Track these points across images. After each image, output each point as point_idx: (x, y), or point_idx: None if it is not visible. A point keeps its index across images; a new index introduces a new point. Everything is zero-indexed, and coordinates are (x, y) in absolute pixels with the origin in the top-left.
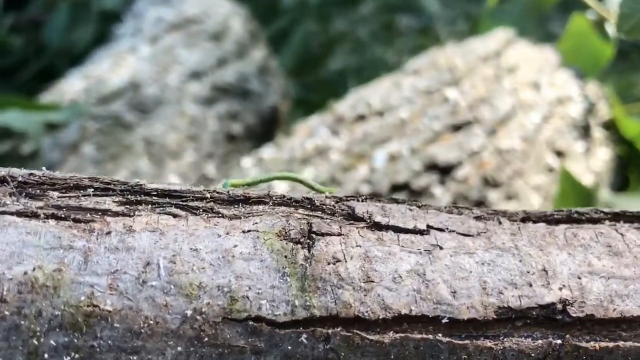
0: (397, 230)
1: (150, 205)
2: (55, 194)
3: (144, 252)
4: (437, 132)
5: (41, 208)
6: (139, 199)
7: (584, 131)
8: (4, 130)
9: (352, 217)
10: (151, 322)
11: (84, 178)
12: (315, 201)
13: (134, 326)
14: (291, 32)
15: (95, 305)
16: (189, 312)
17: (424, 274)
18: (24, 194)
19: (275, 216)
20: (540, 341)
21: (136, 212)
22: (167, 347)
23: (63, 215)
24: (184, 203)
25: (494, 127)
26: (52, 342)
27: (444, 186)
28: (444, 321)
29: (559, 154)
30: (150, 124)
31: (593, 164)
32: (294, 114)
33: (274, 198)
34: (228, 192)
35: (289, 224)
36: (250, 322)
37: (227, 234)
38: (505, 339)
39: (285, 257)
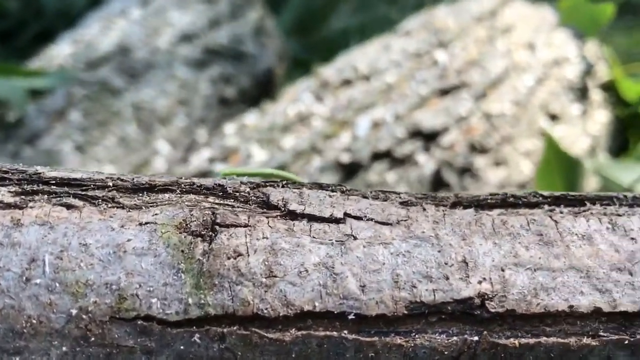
0: (312, 218)
1: (46, 196)
2: None
3: (29, 248)
4: (424, 97)
5: None
6: (35, 188)
7: (581, 93)
8: None
9: (267, 205)
10: (34, 321)
11: None
12: (228, 188)
13: (16, 326)
14: None
15: None
16: (74, 311)
17: (333, 267)
18: None
19: (179, 206)
20: (455, 338)
21: (29, 204)
22: (51, 347)
23: None
24: (84, 192)
25: (484, 91)
26: None
27: (428, 153)
28: (350, 317)
29: (553, 117)
30: (140, 89)
31: (590, 127)
32: (293, 75)
33: (182, 185)
34: (133, 178)
35: (192, 215)
36: (140, 322)
37: (122, 227)
38: (417, 336)
39: (182, 251)
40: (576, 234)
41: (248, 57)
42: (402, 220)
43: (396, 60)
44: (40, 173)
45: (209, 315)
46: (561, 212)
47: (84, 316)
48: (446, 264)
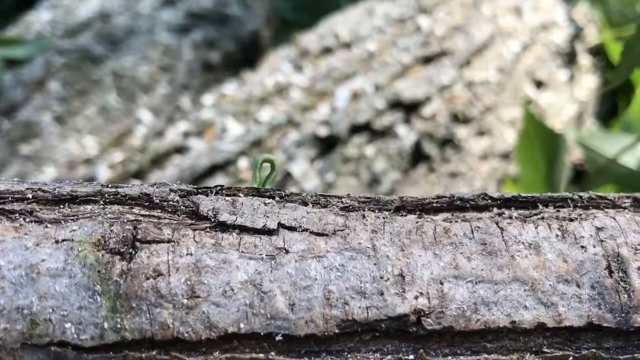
0: (244, 230)
1: None
2: None
3: None
4: (406, 66)
5: None
6: None
7: (569, 58)
8: None
9: (196, 215)
10: None
11: None
12: (155, 197)
13: None
14: None
15: None
16: None
17: (261, 285)
18: None
19: (98, 220)
20: (389, 356)
21: None
22: None
23: None
24: (1, 206)
25: (468, 58)
26: None
27: (408, 125)
28: (277, 338)
29: (539, 84)
30: (120, 56)
31: (577, 92)
32: (281, 37)
33: (105, 195)
34: (54, 189)
35: (111, 230)
36: (54, 348)
37: (37, 245)
38: (349, 355)
39: (99, 272)
40: (523, 243)
41: (233, 20)
42: (339, 230)
43: (379, 26)
44: None
45: (125, 340)
46: (510, 217)
47: None
48: (382, 278)
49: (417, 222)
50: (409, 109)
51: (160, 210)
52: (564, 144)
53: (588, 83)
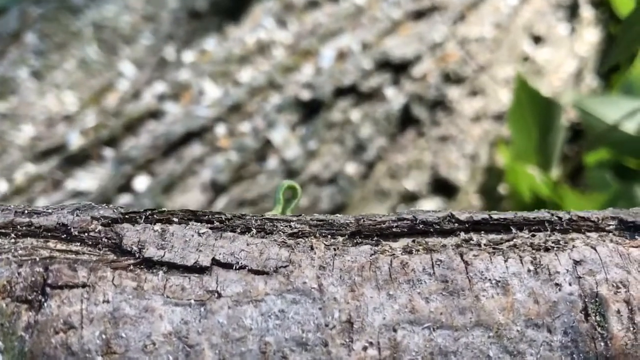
0: (172, 268)
1: None
2: None
3: None
4: (396, 22)
5: None
6: None
7: (571, 11)
8: None
9: (119, 249)
10: None
11: None
12: (73, 229)
13: None
14: None
15: None
16: None
17: (187, 338)
18: None
19: (6, 260)
20: None
21: None
22: None
23: None
24: None
25: (463, 13)
26: None
27: (397, 86)
28: None
29: (537, 39)
30: (101, 5)
31: (578, 47)
32: None
33: (18, 227)
34: None
35: (19, 273)
36: None
37: None
38: None
39: (2, 325)
40: (490, 280)
41: None
42: (281, 266)
43: None
44: None
45: None
46: (478, 246)
47: None
48: (327, 325)
49: (371, 256)
50: (398, 69)
51: (79, 244)
52: (559, 110)
53: (589, 37)
